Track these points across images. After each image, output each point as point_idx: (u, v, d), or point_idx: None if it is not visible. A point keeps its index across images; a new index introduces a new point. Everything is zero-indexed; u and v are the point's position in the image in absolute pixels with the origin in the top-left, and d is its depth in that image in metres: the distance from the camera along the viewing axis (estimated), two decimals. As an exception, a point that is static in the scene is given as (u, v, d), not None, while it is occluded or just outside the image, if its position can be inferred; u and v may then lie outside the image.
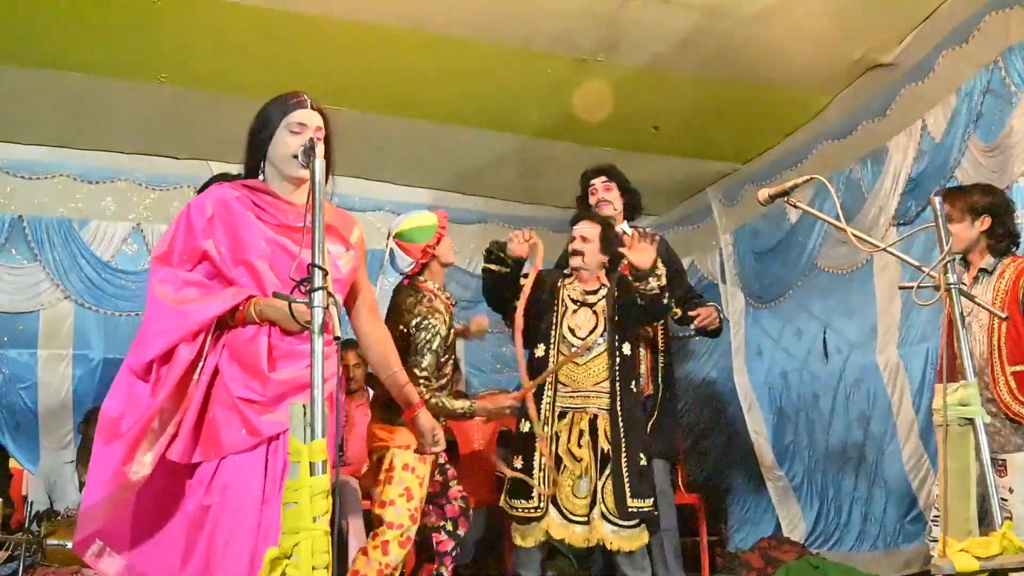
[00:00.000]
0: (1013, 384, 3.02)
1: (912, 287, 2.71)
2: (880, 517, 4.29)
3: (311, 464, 1.89)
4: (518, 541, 3.52)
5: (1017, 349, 3.03)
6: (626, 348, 3.63)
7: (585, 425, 3.52)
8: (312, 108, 2.43)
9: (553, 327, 3.66)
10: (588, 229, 3.71)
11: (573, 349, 3.59)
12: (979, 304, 2.70)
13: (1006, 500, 3.01)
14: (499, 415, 3.50)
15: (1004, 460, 3.03)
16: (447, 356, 3.30)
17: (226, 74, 4.41)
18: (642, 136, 5.13)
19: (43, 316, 5.31)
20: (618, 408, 3.51)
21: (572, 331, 3.66)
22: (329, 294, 2.00)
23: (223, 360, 2.29)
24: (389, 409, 3.13)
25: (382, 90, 4.66)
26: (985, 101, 3.85)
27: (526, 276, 3.66)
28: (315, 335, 1.96)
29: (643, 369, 3.97)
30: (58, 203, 5.33)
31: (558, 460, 3.52)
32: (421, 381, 3.14)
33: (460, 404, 3.27)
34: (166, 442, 2.24)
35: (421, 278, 3.36)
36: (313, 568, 1.81)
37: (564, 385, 3.59)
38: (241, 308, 2.29)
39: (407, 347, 3.18)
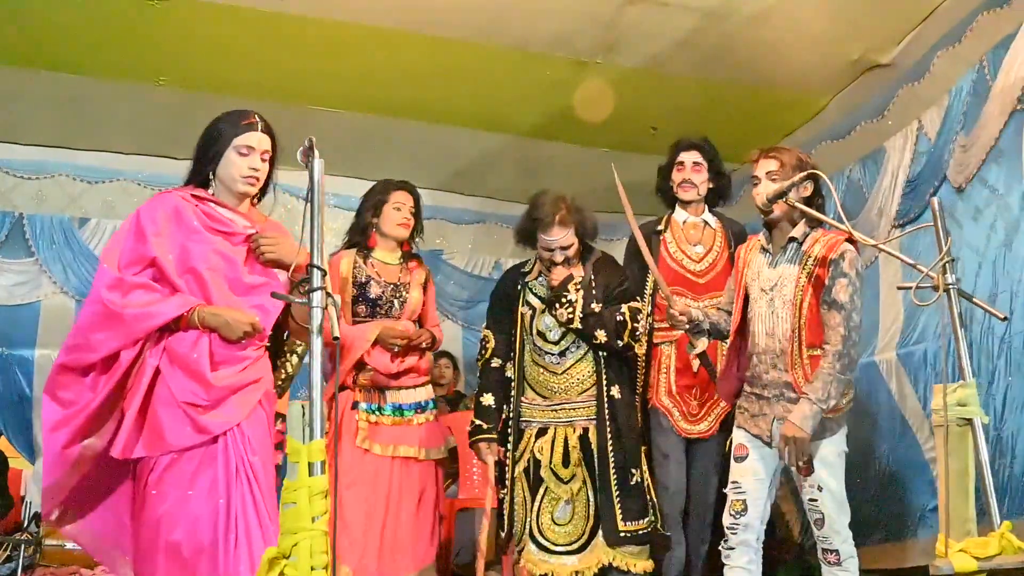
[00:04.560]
0: (809, 369, 2.80)
1: (911, 287, 2.71)
2: (878, 516, 4.28)
3: (309, 464, 1.89)
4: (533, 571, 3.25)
5: (815, 333, 2.82)
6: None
7: (576, 441, 3.26)
8: (262, 131, 2.58)
9: (515, 341, 3.38)
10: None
11: (549, 359, 3.35)
12: (978, 304, 2.70)
13: (815, 501, 2.81)
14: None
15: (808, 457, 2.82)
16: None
17: (225, 76, 4.41)
18: (641, 137, 5.12)
19: (42, 314, 5.31)
20: (606, 417, 3.24)
21: (543, 335, 3.34)
22: (328, 294, 2.01)
23: (164, 363, 2.42)
24: None
25: (382, 91, 4.66)
26: (971, 100, 3.85)
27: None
28: (314, 335, 1.96)
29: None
30: (58, 202, 5.33)
31: (538, 483, 3.26)
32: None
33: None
34: (108, 437, 2.39)
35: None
36: (312, 568, 1.81)
37: (542, 397, 3.33)
38: (185, 315, 2.42)
39: None
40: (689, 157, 3.77)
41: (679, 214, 3.81)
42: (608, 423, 3.25)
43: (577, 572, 3.18)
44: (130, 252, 2.46)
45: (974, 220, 3.79)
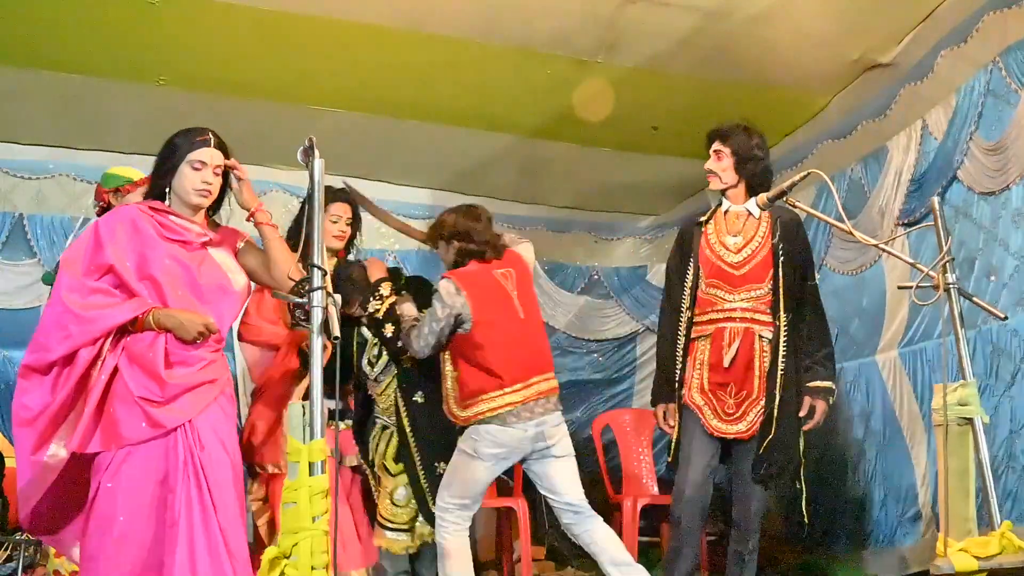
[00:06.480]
0: (456, 386, 3.35)
1: (911, 287, 2.72)
2: (880, 516, 4.29)
3: (310, 464, 1.89)
4: None
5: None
6: (403, 360, 3.56)
7: (394, 440, 3.62)
8: (215, 147, 2.73)
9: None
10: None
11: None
12: (978, 304, 2.70)
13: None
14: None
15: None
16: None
17: (225, 76, 4.41)
18: (641, 136, 5.12)
19: (43, 316, 5.31)
20: (404, 422, 3.55)
21: (371, 364, 3.70)
22: (329, 294, 2.01)
23: (123, 361, 2.57)
24: None
25: (382, 90, 4.66)
26: (986, 101, 3.84)
27: None
28: (314, 334, 1.96)
29: (757, 373, 3.36)
30: (58, 202, 5.33)
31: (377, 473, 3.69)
32: None
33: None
34: (70, 433, 2.53)
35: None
36: (312, 568, 1.81)
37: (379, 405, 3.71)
38: (140, 317, 2.58)
39: None
40: (713, 146, 3.58)
41: (724, 203, 3.59)
42: (409, 427, 3.55)
43: (407, 548, 3.59)
44: (90, 261, 2.63)
45: (1014, 224, 3.68)
